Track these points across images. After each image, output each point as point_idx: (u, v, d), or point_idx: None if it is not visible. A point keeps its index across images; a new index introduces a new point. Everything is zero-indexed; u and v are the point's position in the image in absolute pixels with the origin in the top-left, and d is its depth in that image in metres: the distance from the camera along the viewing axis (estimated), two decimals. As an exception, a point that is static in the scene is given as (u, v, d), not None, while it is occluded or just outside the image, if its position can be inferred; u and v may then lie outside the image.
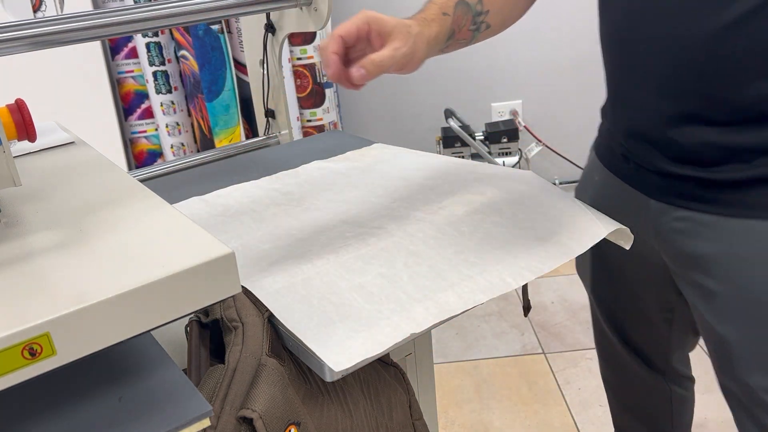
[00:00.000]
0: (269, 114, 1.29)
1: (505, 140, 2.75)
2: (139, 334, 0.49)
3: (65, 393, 0.56)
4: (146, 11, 0.91)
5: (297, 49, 2.24)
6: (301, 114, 2.36)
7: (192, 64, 2.08)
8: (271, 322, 0.67)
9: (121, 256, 0.52)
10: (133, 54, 2.13)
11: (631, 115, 0.88)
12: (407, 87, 2.86)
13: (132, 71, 2.16)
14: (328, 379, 0.62)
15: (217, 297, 0.52)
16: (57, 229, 0.58)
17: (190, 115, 2.21)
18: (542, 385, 1.99)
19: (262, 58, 1.22)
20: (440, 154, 1.07)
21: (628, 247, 0.85)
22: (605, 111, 0.99)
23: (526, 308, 0.94)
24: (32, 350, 0.45)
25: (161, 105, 2.15)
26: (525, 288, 0.89)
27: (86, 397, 0.55)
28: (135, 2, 1.97)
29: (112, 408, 0.54)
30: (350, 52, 0.73)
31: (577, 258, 1.13)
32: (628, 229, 0.83)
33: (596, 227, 0.82)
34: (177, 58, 2.15)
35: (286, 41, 1.89)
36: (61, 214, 0.61)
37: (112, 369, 0.59)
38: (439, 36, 0.78)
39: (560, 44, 2.82)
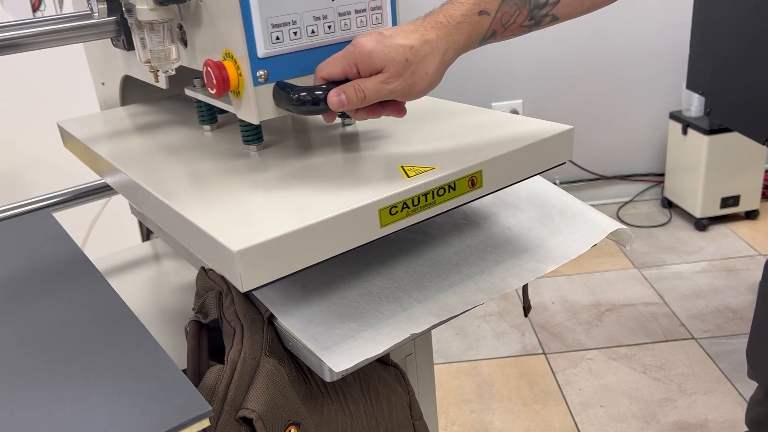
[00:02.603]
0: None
1: (505, 140, 2.75)
2: (519, 181, 0.72)
3: (66, 393, 0.56)
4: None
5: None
6: (301, 114, 2.36)
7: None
8: (271, 322, 0.67)
9: (507, 131, 0.74)
10: (133, 54, 2.13)
11: None
12: (407, 87, 2.85)
13: (132, 71, 2.16)
14: (328, 379, 0.62)
15: (554, 162, 0.73)
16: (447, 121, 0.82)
17: (190, 115, 2.21)
18: (542, 385, 1.99)
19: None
20: (441, 153, 1.06)
21: (628, 248, 0.84)
22: None
23: (527, 308, 0.94)
24: (473, 181, 0.67)
25: (161, 105, 2.15)
26: (525, 288, 0.89)
27: (86, 397, 0.55)
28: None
29: (111, 408, 0.54)
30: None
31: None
32: (628, 230, 0.83)
33: (597, 227, 0.82)
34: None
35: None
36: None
37: (112, 369, 0.59)
38: (469, 43, 0.66)
39: (560, 44, 2.82)
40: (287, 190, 0.65)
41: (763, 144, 1.57)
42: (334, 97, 0.63)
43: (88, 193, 1.03)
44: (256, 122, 0.68)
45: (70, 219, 1.03)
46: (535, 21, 0.67)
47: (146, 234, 1.15)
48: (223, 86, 0.67)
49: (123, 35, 0.87)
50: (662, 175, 3.05)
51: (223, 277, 0.73)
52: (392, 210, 0.61)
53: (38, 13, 1.93)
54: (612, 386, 1.96)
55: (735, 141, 2.60)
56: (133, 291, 0.93)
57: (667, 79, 2.91)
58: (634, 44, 2.84)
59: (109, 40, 0.92)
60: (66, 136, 0.95)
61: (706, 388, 1.92)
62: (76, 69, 2.11)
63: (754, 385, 1.26)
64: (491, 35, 0.66)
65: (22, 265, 0.79)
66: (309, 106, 0.64)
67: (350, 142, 0.78)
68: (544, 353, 2.13)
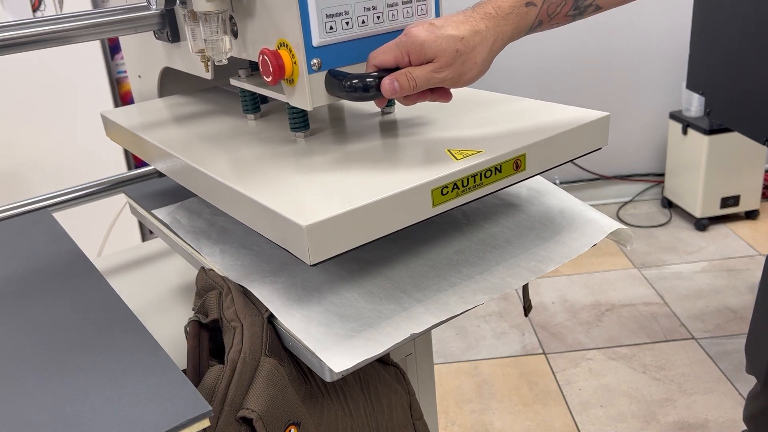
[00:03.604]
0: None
1: (505, 140, 2.75)
2: (559, 165, 0.75)
3: (66, 393, 0.56)
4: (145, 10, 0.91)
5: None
6: (301, 114, 2.36)
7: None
8: (271, 322, 0.67)
9: (547, 118, 0.77)
10: (133, 54, 2.13)
11: None
12: (407, 87, 2.85)
13: (132, 71, 2.16)
14: (328, 379, 0.62)
15: (591, 147, 0.76)
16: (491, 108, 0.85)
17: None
18: (543, 385, 1.99)
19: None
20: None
21: (628, 248, 0.84)
22: None
23: (527, 308, 0.94)
24: (517, 164, 0.70)
25: (161, 105, 2.14)
26: (525, 288, 0.89)
27: (86, 397, 0.55)
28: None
29: (111, 408, 0.54)
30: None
31: None
32: (628, 229, 0.83)
33: (597, 227, 0.82)
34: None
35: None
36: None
37: (112, 369, 0.59)
38: (516, 33, 0.68)
39: (560, 43, 2.82)
40: (342, 172, 0.68)
41: (763, 144, 1.57)
42: (387, 84, 0.66)
43: (88, 193, 1.03)
44: (309, 108, 0.71)
45: (70, 220, 1.03)
46: (579, 11, 0.70)
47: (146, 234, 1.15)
48: (279, 74, 0.70)
49: (167, 27, 0.89)
50: (662, 175, 3.05)
51: (223, 277, 0.73)
52: (443, 190, 0.65)
53: (38, 13, 1.93)
54: (612, 386, 1.96)
55: (735, 141, 2.60)
56: (133, 291, 0.93)
57: (667, 79, 2.91)
58: (634, 44, 2.84)
59: (151, 33, 0.94)
60: (110, 126, 0.97)
61: (706, 388, 1.92)
62: (76, 70, 2.12)
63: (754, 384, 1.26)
64: (537, 25, 0.69)
65: (22, 265, 0.79)
66: (360, 93, 0.68)
67: (393, 128, 0.81)
68: (544, 353, 2.13)
